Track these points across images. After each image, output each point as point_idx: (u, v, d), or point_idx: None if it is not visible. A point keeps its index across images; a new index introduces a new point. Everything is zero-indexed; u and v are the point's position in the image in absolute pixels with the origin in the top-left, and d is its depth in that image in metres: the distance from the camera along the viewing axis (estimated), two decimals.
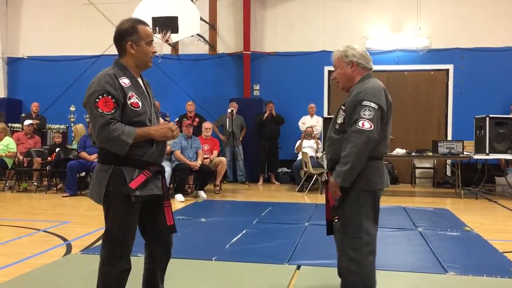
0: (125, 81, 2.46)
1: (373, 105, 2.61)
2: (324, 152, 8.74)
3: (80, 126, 9.57)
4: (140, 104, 2.48)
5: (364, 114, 2.60)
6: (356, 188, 2.65)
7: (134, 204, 2.46)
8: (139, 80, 2.59)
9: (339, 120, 2.75)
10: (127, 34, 2.50)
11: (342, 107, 2.76)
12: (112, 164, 2.44)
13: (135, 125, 2.44)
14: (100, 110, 2.36)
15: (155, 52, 2.59)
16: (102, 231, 5.30)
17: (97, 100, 2.37)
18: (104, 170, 2.46)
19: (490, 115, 8.14)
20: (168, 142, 3.56)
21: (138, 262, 2.61)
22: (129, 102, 2.44)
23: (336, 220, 2.82)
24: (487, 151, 8.05)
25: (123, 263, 2.48)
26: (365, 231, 2.66)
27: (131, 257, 2.54)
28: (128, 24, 2.51)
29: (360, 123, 2.58)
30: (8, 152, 8.88)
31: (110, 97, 2.38)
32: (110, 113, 2.37)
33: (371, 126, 2.58)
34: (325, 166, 7.77)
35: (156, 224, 2.63)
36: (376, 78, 2.81)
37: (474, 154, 8.34)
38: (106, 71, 2.47)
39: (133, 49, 2.50)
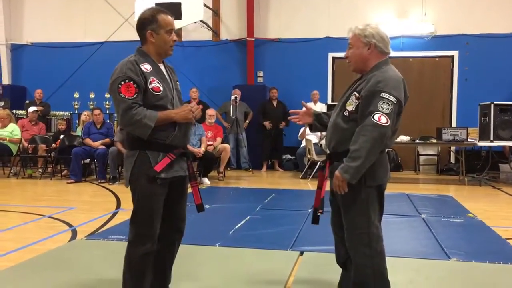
0: (146, 67, 2.54)
1: (392, 98, 2.43)
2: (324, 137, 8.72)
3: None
4: (161, 88, 2.55)
5: (381, 107, 2.42)
6: (362, 183, 2.51)
7: (159, 187, 2.53)
8: (161, 66, 2.65)
9: (350, 108, 2.55)
10: (147, 23, 2.57)
11: (356, 93, 2.55)
12: (137, 149, 2.53)
13: (156, 108, 2.51)
14: (122, 95, 2.45)
15: (175, 41, 2.64)
16: (107, 217, 5.39)
17: (119, 85, 2.46)
18: (130, 155, 2.56)
19: (495, 102, 8.12)
20: None
21: None
22: (150, 86, 2.52)
23: (320, 214, 2.78)
24: (492, 138, 8.03)
25: (149, 245, 2.54)
26: (373, 225, 2.58)
27: None
28: (149, 13, 2.59)
29: (376, 117, 2.41)
30: (13, 138, 8.90)
31: (131, 82, 2.47)
32: (132, 97, 2.46)
33: (387, 122, 2.41)
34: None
35: (175, 207, 2.71)
36: (393, 65, 2.62)
37: (478, 141, 8.33)
38: (128, 58, 2.56)
39: (152, 37, 2.57)
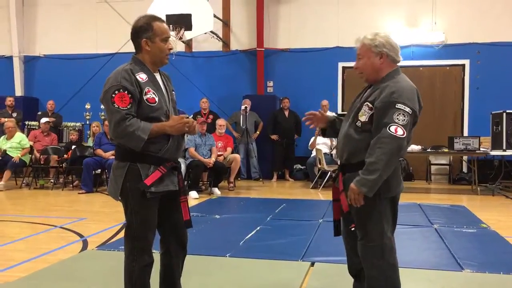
0: (142, 76, 2.47)
1: (407, 109, 2.40)
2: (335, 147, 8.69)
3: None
4: (156, 99, 2.49)
5: (397, 118, 2.38)
6: (377, 195, 2.47)
7: (151, 200, 2.48)
8: (157, 75, 2.60)
9: (363, 118, 2.52)
10: (142, 31, 2.50)
11: (368, 103, 2.51)
12: (128, 161, 2.47)
13: (151, 120, 2.45)
14: (116, 106, 2.38)
15: (171, 49, 2.58)
16: (117, 228, 5.40)
17: (113, 95, 2.39)
18: (120, 167, 2.49)
19: (507, 111, 8.03)
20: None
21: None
22: (145, 97, 2.45)
23: (353, 228, 2.69)
24: (504, 147, 7.95)
25: (146, 258, 2.52)
26: (386, 236, 2.55)
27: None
28: (144, 21, 2.52)
29: (392, 128, 2.38)
30: (22, 149, 8.96)
31: (126, 92, 2.40)
32: (126, 108, 2.39)
33: (404, 133, 2.39)
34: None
35: (172, 220, 2.65)
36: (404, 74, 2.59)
37: (490, 150, 8.24)
38: (123, 66, 2.49)
39: (148, 46, 2.51)
